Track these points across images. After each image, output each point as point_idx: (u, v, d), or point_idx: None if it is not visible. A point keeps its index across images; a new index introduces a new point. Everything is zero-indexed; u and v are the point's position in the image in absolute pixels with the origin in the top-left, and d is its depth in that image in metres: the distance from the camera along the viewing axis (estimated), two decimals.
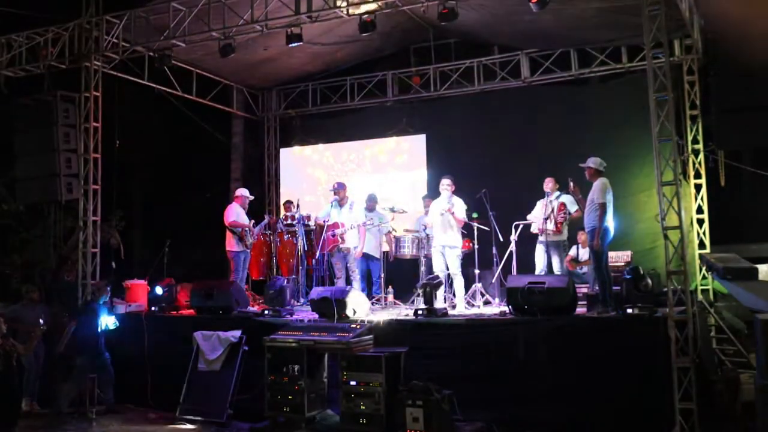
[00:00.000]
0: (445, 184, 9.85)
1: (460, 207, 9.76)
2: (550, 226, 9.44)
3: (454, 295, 9.75)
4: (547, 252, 9.55)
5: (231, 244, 10.92)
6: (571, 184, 8.87)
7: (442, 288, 9.30)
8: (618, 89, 11.71)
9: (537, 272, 9.57)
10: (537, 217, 9.75)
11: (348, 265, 10.56)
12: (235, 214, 10.96)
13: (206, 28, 9.85)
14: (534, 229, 9.77)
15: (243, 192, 11.33)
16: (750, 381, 8.49)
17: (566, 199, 9.59)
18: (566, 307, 8.04)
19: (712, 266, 9.72)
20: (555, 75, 12.03)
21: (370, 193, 11.10)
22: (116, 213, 14.74)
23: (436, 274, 9.60)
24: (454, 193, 9.87)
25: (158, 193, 20.46)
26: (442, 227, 9.69)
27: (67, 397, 9.24)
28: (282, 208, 12.73)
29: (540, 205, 9.78)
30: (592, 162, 8.62)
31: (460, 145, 12.51)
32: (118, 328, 9.54)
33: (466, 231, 10.20)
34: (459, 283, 9.69)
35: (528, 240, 9.97)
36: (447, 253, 9.66)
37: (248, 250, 11.05)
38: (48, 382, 9.57)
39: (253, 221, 11.19)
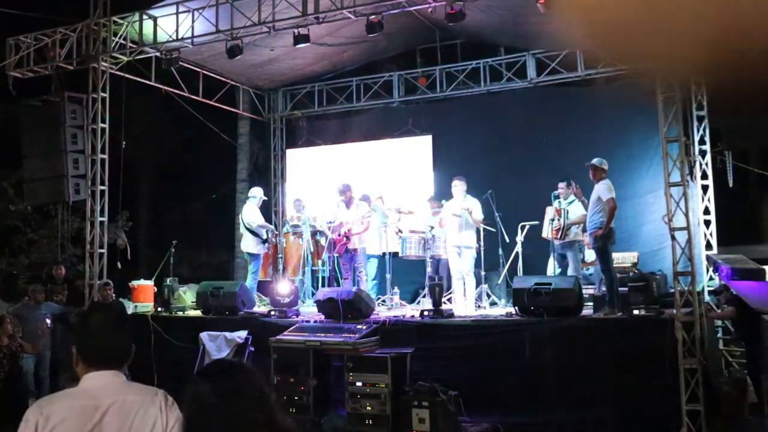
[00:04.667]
0: (458, 185, 9.85)
1: (476, 207, 9.77)
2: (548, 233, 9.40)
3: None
4: (559, 254, 9.53)
5: (251, 245, 10.74)
6: (574, 185, 8.84)
7: (452, 288, 9.32)
8: (625, 90, 11.66)
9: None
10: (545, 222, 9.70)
11: (356, 265, 10.56)
12: (260, 215, 10.91)
13: (213, 29, 9.87)
14: (545, 235, 9.69)
15: (259, 192, 11.26)
16: None
17: (576, 205, 9.53)
18: (572, 309, 8.02)
19: (720, 267, 9.69)
20: (561, 76, 12.00)
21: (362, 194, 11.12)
22: (123, 213, 14.82)
23: (455, 275, 9.63)
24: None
25: (165, 193, 20.56)
26: (458, 228, 9.70)
27: None
28: (291, 206, 12.73)
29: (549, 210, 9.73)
30: (597, 161, 8.60)
31: (466, 145, 12.48)
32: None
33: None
34: (471, 283, 9.68)
35: (534, 241, 9.96)
36: (463, 253, 9.67)
37: (265, 251, 11.01)
38: (55, 383, 9.60)
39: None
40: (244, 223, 10.79)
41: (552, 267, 9.68)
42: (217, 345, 9.12)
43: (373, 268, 10.80)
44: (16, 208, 15.35)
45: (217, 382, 2.08)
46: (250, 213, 10.83)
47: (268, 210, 13.60)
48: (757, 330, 7.34)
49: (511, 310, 8.58)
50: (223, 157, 16.20)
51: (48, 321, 8.77)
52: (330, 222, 10.82)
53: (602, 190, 8.32)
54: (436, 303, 8.71)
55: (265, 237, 10.74)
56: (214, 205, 17.11)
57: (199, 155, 18.50)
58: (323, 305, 8.88)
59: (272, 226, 11.07)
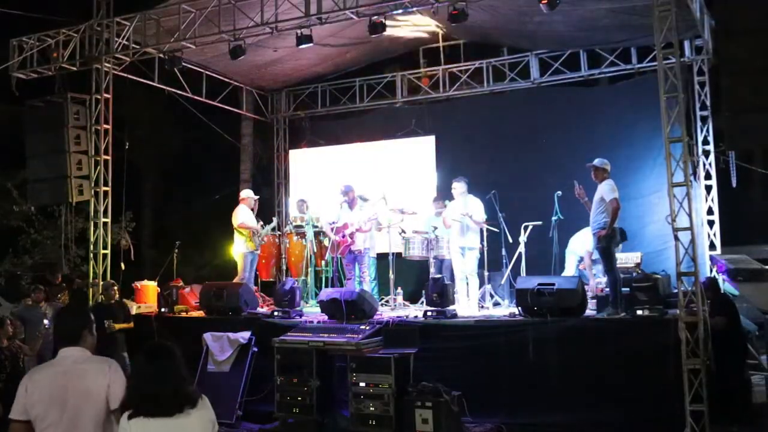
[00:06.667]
0: (457, 188, 9.84)
1: (478, 209, 9.75)
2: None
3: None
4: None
5: (239, 245, 10.93)
6: (577, 186, 8.82)
7: (455, 289, 9.31)
8: (628, 90, 11.65)
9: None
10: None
11: (359, 266, 10.55)
12: (244, 215, 10.97)
13: (216, 30, 9.87)
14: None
15: (248, 193, 11.32)
16: (761, 383, 8.46)
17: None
18: (576, 309, 8.01)
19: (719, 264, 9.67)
20: (564, 76, 12.00)
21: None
22: (126, 214, 14.83)
23: (458, 275, 9.64)
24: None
25: (168, 194, 20.59)
26: (461, 229, 9.69)
27: None
28: (295, 207, 12.73)
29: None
30: (599, 162, 8.58)
31: (469, 146, 12.48)
32: (129, 329, 9.56)
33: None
34: (474, 284, 9.67)
35: (537, 241, 9.94)
36: (466, 254, 9.66)
37: (256, 252, 11.04)
38: None
39: (261, 222, 11.20)
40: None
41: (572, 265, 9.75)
42: (220, 345, 9.12)
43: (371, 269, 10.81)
44: (19, 208, 15.37)
45: (148, 356, 3.35)
46: (235, 214, 10.96)
47: (271, 210, 13.62)
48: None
49: (515, 310, 8.56)
50: (227, 158, 16.22)
51: (46, 322, 8.76)
52: (332, 222, 10.82)
53: (605, 190, 8.29)
54: (437, 304, 8.69)
55: (249, 236, 10.81)
56: (218, 205, 17.12)
57: (202, 156, 18.53)
58: (326, 306, 8.87)
59: (257, 227, 11.05)
